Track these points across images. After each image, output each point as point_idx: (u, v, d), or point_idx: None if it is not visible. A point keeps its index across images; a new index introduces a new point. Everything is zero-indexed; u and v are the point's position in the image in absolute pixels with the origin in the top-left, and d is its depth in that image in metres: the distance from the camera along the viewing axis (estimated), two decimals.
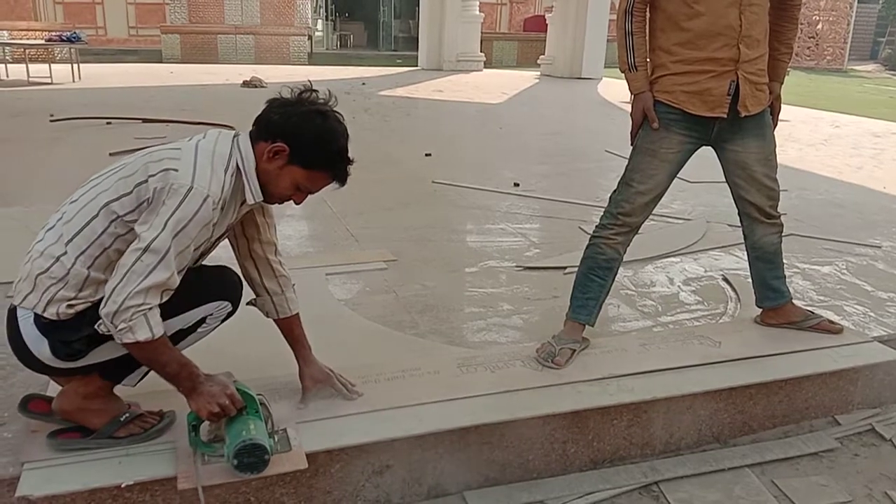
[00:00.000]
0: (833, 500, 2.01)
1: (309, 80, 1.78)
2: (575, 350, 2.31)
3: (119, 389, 1.78)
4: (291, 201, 1.77)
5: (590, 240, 2.45)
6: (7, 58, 11.52)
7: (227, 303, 1.79)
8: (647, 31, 2.32)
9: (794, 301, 2.65)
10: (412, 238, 3.66)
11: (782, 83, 2.46)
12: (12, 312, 1.64)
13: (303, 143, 1.67)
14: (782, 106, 2.52)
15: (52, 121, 6.76)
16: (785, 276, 2.60)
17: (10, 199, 4.01)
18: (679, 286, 3.12)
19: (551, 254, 3.47)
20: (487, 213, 4.20)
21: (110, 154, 5.24)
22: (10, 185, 4.39)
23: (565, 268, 3.18)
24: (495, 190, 4.75)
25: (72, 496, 1.60)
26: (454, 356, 2.32)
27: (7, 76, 10.71)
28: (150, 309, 1.53)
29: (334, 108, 1.74)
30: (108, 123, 6.83)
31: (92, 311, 1.59)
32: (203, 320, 1.74)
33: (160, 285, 1.54)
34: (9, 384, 2.03)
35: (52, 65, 10.90)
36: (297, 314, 1.99)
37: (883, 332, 2.69)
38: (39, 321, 1.59)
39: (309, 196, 1.78)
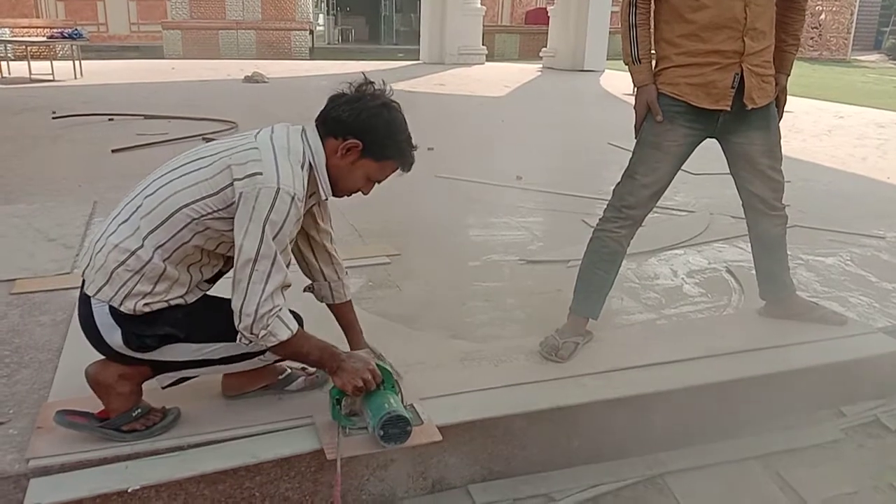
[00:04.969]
0: (838, 491, 2.01)
1: (363, 73, 1.83)
2: (578, 343, 2.31)
3: None
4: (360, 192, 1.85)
5: (593, 233, 2.44)
6: (9, 55, 11.52)
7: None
8: (652, 22, 2.31)
9: (799, 292, 2.64)
10: (415, 232, 3.66)
11: (789, 75, 2.43)
12: (86, 299, 1.67)
13: (375, 137, 1.74)
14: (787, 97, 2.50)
15: (54, 118, 6.76)
16: (789, 268, 2.60)
17: (12, 197, 4.02)
18: (683, 278, 3.12)
19: (554, 247, 3.46)
20: (490, 206, 4.20)
21: (113, 151, 5.26)
22: (13, 183, 4.39)
23: (568, 261, 3.18)
24: (498, 183, 4.74)
25: (79, 502, 1.60)
26: (458, 350, 2.32)
27: (9, 73, 10.70)
28: (281, 309, 1.63)
29: (391, 98, 1.79)
30: (110, 120, 6.83)
31: (168, 312, 1.66)
32: None
33: (280, 285, 1.63)
34: (13, 381, 2.04)
35: (54, 62, 10.91)
36: (350, 300, 2.08)
37: (888, 323, 2.68)
38: (115, 311, 1.64)
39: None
